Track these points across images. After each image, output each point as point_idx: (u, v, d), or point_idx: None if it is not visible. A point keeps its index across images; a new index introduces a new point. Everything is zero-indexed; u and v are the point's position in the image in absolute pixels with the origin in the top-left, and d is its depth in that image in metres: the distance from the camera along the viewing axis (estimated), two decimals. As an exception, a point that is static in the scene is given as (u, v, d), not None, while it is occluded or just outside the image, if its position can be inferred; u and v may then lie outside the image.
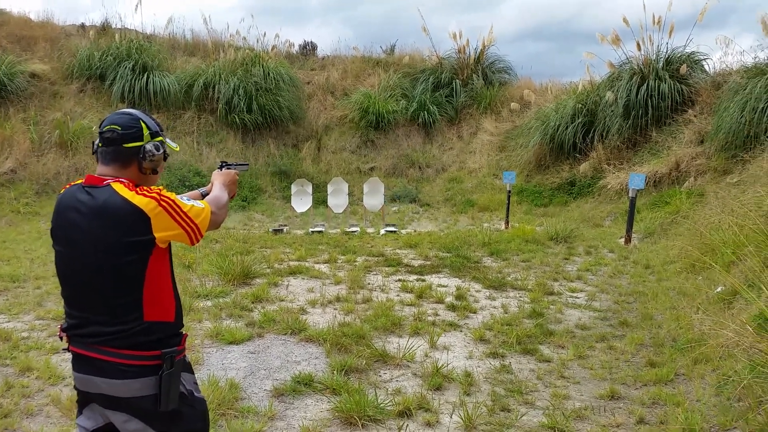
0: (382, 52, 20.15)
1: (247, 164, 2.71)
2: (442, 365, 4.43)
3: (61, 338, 2.10)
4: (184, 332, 2.18)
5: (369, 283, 7.15)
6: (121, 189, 1.98)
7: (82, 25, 17.58)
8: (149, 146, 2.09)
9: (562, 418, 3.66)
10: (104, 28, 17.15)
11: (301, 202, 12.29)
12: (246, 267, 7.07)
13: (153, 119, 2.17)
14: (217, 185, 2.42)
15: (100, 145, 2.08)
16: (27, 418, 3.61)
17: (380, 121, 16.74)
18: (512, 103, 16.76)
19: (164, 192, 2.03)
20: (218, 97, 15.69)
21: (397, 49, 20.20)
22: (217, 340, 5.02)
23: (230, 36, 18.00)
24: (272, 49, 17.96)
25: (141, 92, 15.11)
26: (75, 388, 2.11)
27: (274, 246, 9.52)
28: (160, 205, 1.98)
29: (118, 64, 15.32)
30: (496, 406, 3.87)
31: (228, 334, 5.05)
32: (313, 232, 11.13)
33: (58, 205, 2.10)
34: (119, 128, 2.05)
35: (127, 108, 2.20)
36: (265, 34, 21.82)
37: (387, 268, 8.06)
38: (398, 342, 4.99)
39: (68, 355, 4.48)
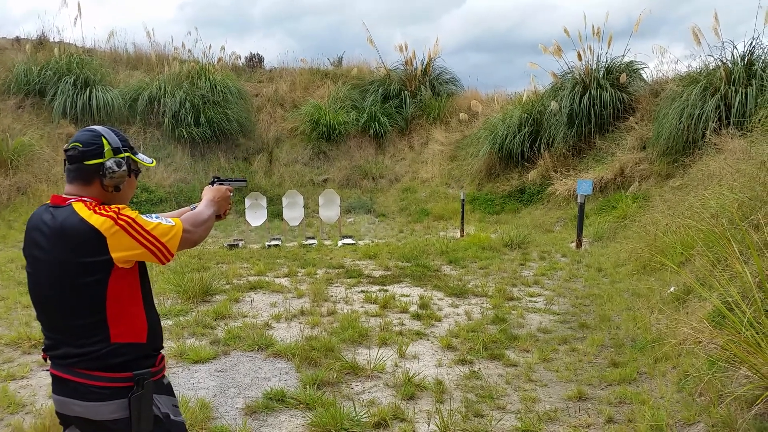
0: (330, 64, 20.24)
1: (245, 179, 2.63)
2: (413, 374, 4.46)
3: (45, 359, 2.06)
4: (161, 353, 2.13)
5: (332, 296, 7.12)
6: (81, 208, 1.93)
7: (17, 39, 16.92)
8: (109, 163, 2.02)
9: (534, 420, 3.74)
10: (41, 42, 16.58)
11: (256, 215, 12.15)
12: (205, 284, 6.93)
13: (118, 135, 2.10)
14: (204, 201, 2.34)
15: (65, 162, 2.05)
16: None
17: (332, 133, 16.76)
18: (461, 114, 17.07)
19: (124, 210, 1.96)
20: (164, 111, 15.38)
21: (345, 60, 20.33)
22: (182, 359, 4.89)
23: (174, 49, 17.71)
24: (218, 62, 17.73)
25: (84, 107, 14.66)
26: (56, 411, 2.05)
27: (230, 261, 9.37)
28: (117, 223, 1.91)
29: (59, 79, 14.83)
30: (469, 413, 3.92)
31: (193, 353, 4.93)
32: (269, 245, 11.00)
33: (27, 225, 2.05)
34: (81, 145, 2.00)
35: (94, 126, 2.14)
36: (210, 46, 21.38)
37: (348, 280, 8.05)
38: (368, 353, 4.99)
39: (26, 381, 4.32)
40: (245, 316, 6.19)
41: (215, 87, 16.03)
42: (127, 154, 2.10)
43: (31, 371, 4.62)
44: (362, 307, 6.64)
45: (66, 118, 14.48)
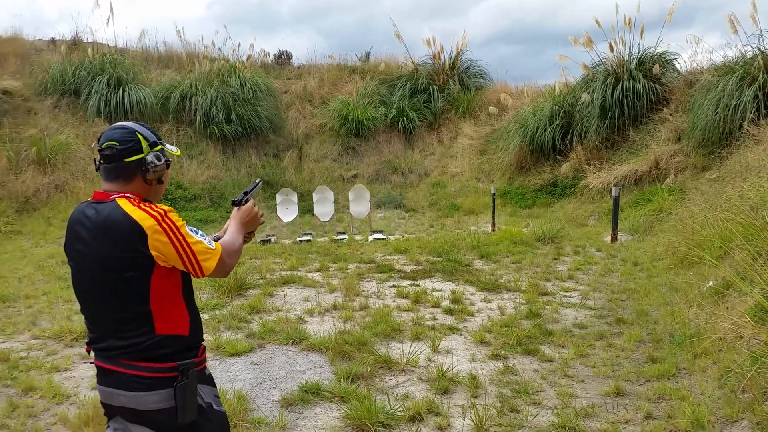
0: (358, 59, 20.24)
1: (260, 180, 2.59)
2: (447, 369, 4.45)
3: (88, 352, 2.10)
4: (202, 345, 2.16)
5: (364, 290, 7.15)
6: (125, 204, 1.97)
7: (53, 40, 17.33)
8: (150, 157, 2.06)
9: (572, 416, 3.70)
10: (75, 43, 16.94)
11: (287, 211, 12.24)
12: (239, 278, 7.02)
13: (149, 129, 2.14)
14: (233, 226, 2.25)
15: (101, 162, 2.06)
16: (34, 440, 3.54)
17: (360, 129, 16.78)
18: (490, 107, 16.93)
19: (171, 214, 1.99)
20: (196, 109, 15.58)
21: (372, 56, 20.31)
22: (219, 352, 4.97)
23: (204, 47, 17.91)
24: (248, 59, 17.90)
25: (117, 106, 14.92)
26: (101, 402, 2.10)
27: (263, 256, 9.47)
28: (161, 225, 1.95)
29: (93, 79, 15.13)
30: (505, 408, 3.90)
31: (229, 346, 5.01)
32: (301, 241, 11.09)
33: (68, 221, 2.09)
34: (117, 144, 2.02)
35: (124, 122, 2.15)
36: (239, 44, 21.62)
37: (380, 275, 8.06)
38: (400, 347, 5.00)
39: (69, 373, 4.43)
40: (279, 310, 6.26)
41: (245, 84, 16.19)
42: (161, 146, 2.14)
43: (73, 363, 4.75)
44: (394, 301, 6.65)
45: (100, 117, 14.78)
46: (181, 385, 1.97)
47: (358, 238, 11.52)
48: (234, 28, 41.26)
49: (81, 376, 4.49)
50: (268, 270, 8.25)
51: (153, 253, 1.93)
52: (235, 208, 2.27)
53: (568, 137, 14.23)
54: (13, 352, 5.00)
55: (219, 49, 17.79)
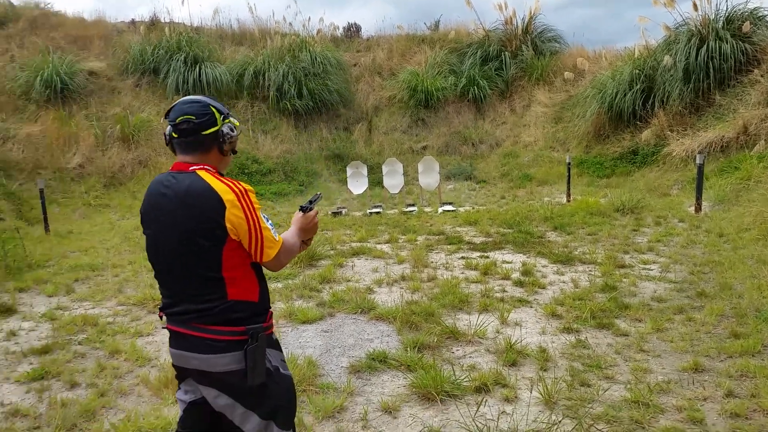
0: (427, 28, 19.91)
1: (320, 194, 2.66)
2: (516, 341, 4.39)
3: (160, 317, 2.20)
4: (270, 311, 2.23)
5: (432, 262, 7.14)
6: (206, 175, 2.06)
7: (132, 21, 18.03)
8: (225, 129, 2.15)
9: (645, 391, 3.57)
10: (153, 23, 17.54)
11: (357, 184, 12.34)
12: (310, 249, 7.16)
13: (218, 101, 2.23)
14: (294, 229, 2.31)
15: (175, 135, 2.13)
16: (121, 397, 3.78)
17: (429, 99, 16.58)
18: (565, 73, 16.29)
19: (250, 194, 2.08)
20: (269, 85, 15.86)
21: (442, 24, 19.91)
22: (291, 320, 5.13)
23: (276, 23, 18.14)
24: (318, 33, 17.99)
25: (194, 83, 15.40)
26: (173, 364, 2.19)
27: (334, 228, 9.62)
28: (240, 201, 2.03)
29: (170, 58, 15.66)
30: (575, 381, 3.81)
31: (301, 314, 5.16)
32: (371, 213, 11.17)
33: (147, 190, 2.19)
34: (194, 118, 2.10)
35: (194, 96, 2.22)
36: (309, 18, 21.92)
37: (449, 246, 8.02)
38: (468, 319, 4.97)
39: (151, 338, 4.68)
40: (348, 281, 6.36)
41: (315, 59, 16.31)
42: (230, 119, 2.21)
43: (155, 329, 5.03)
44: (462, 273, 6.61)
45: (179, 95, 15.28)
46: (251, 347, 2.05)
47: (427, 210, 11.48)
48: (305, 2, 41.37)
49: (162, 340, 4.75)
50: (339, 241, 8.37)
51: (228, 225, 2.01)
52: (299, 214, 2.33)
53: (650, 102, 13.50)
54: (102, 317, 5.34)
55: (290, 24, 18.00)
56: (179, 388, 2.25)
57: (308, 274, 6.54)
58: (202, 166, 2.10)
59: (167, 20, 17.74)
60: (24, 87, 14.05)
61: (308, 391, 3.72)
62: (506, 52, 17.45)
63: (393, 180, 12.34)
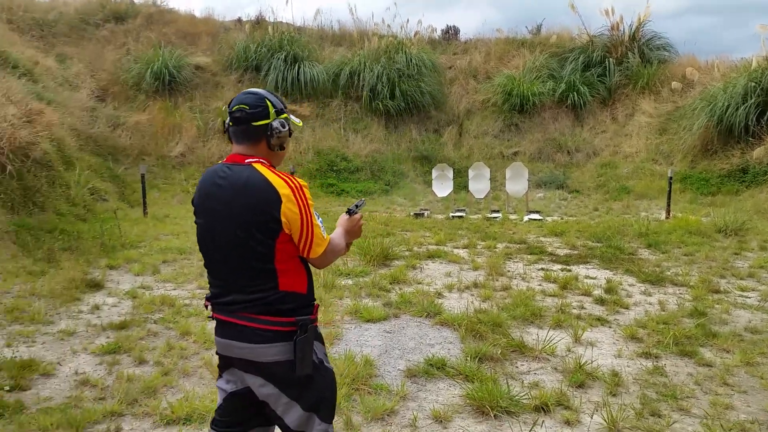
0: (528, 32, 19.42)
1: (363, 200, 2.64)
2: (586, 362, 4.12)
3: (206, 307, 2.21)
4: (316, 303, 2.21)
5: (509, 271, 6.90)
6: (262, 169, 2.07)
7: (239, 20, 18.84)
8: (276, 123, 2.13)
9: (721, 429, 3.22)
10: (258, 22, 18.24)
11: (442, 186, 12.22)
12: (385, 249, 7.14)
13: (277, 97, 2.21)
14: (340, 231, 2.32)
15: (231, 124, 2.15)
16: (183, 378, 3.90)
17: (525, 104, 16.14)
18: (673, 82, 15.33)
19: (305, 190, 2.08)
20: (363, 85, 16.06)
21: (544, 28, 19.39)
22: (355, 317, 5.11)
23: (375, 24, 18.36)
24: (415, 35, 18.02)
25: (293, 82, 15.88)
26: (217, 353, 2.21)
27: (414, 229, 9.55)
28: (295, 196, 2.04)
29: (272, 56, 16.22)
30: (645, 410, 3.51)
31: (366, 312, 5.13)
32: (453, 216, 11.02)
33: (201, 180, 2.20)
34: (247, 107, 2.10)
35: (254, 88, 2.23)
36: (408, 20, 22.00)
37: (529, 256, 7.73)
38: (537, 333, 4.73)
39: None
40: (419, 283, 6.27)
41: (410, 61, 16.34)
42: (286, 115, 2.19)
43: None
44: (540, 285, 6.33)
45: (278, 92, 15.84)
46: (300, 338, 2.05)
47: (512, 217, 11.16)
48: (408, 5, 41.61)
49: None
50: (416, 243, 8.30)
51: (282, 219, 2.01)
52: (345, 216, 2.34)
53: (765, 118, 12.40)
54: (180, 299, 5.57)
55: (388, 25, 18.18)
56: (221, 377, 2.26)
57: (380, 273, 6.51)
58: (257, 159, 2.11)
59: (272, 19, 18.42)
60: (136, 78, 15.06)
61: (361, 391, 3.66)
62: (610, 59, 16.68)
63: (479, 185, 12.11)
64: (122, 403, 3.38)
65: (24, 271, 6.13)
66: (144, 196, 10.35)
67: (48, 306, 5.13)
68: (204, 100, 15.42)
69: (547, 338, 4.54)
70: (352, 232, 2.35)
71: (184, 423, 3.23)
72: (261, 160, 2.11)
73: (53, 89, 12.74)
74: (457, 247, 8.21)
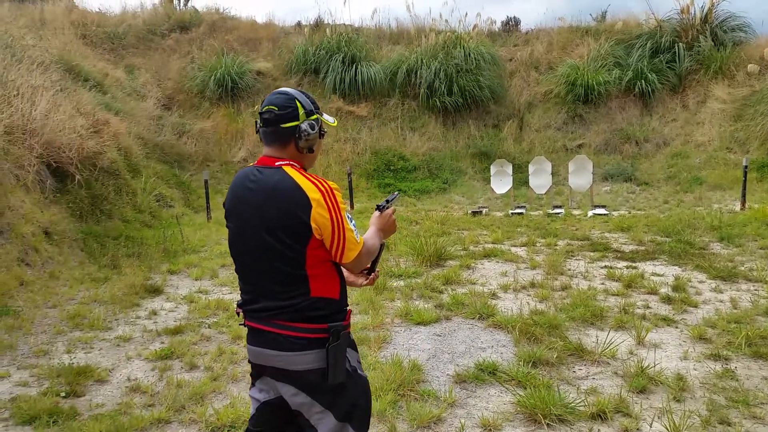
0: (592, 19, 18.69)
1: (399, 191, 2.55)
2: (649, 365, 3.88)
3: (238, 314, 2.18)
4: (349, 309, 2.15)
5: (569, 269, 6.63)
6: (293, 172, 2.01)
7: (299, 24, 19.10)
8: (304, 125, 2.07)
9: (805, 442, 2.94)
10: (317, 25, 18.40)
11: (501, 183, 11.94)
12: (439, 248, 7.01)
13: (308, 97, 2.14)
14: (373, 230, 2.26)
15: (261, 125, 2.11)
16: (231, 383, 3.93)
17: (589, 94, 15.54)
18: (749, 65, 14.38)
19: (337, 193, 2.02)
20: (420, 82, 15.92)
21: (609, 15, 18.58)
22: (405, 319, 5.02)
23: (432, 20, 18.16)
24: (473, 29, 17.69)
25: (351, 83, 15.94)
26: (249, 361, 2.18)
27: (471, 228, 9.36)
28: (326, 200, 1.97)
29: (330, 58, 16.33)
30: (712, 417, 3.26)
31: (416, 314, 5.03)
32: (513, 213, 10.74)
33: (232, 184, 2.17)
34: (276, 109, 2.05)
35: (286, 88, 2.17)
36: (466, 14, 21.71)
37: (592, 253, 7.42)
38: (598, 335, 4.50)
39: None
40: (473, 283, 6.11)
41: (469, 55, 16.06)
42: (316, 116, 2.13)
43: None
44: (602, 284, 6.05)
45: (335, 93, 15.96)
46: (333, 346, 1.99)
47: (576, 213, 10.77)
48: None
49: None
50: (472, 242, 8.12)
51: (313, 224, 1.95)
52: (376, 213, 2.28)
53: None
54: (234, 302, 5.64)
55: (446, 20, 17.93)
56: (253, 386, 2.22)
57: (433, 273, 6.40)
58: (288, 162, 2.06)
59: (331, 22, 18.56)
60: (200, 86, 15.53)
61: (407, 397, 3.58)
62: (680, 43, 15.82)
63: (540, 180, 11.76)
64: (170, 409, 3.43)
65: (89, 277, 6.39)
66: (207, 201, 10.63)
67: (107, 312, 5.32)
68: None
69: (608, 340, 4.31)
70: (386, 229, 2.29)
71: (228, 430, 3.24)
72: (291, 162, 2.06)
73: (121, 99, 13.30)
74: (515, 246, 7.98)
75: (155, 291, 5.96)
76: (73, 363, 4.02)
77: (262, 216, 2.01)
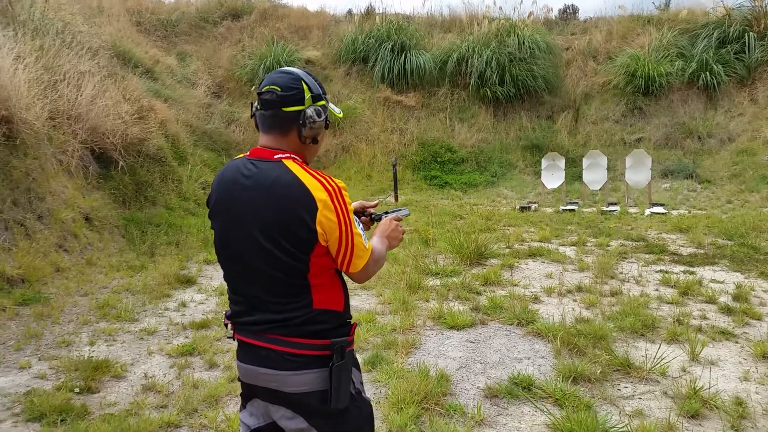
0: (655, 8, 17.79)
1: (407, 210, 2.27)
2: (704, 386, 3.49)
3: (226, 326, 1.91)
4: (352, 322, 1.89)
5: (621, 273, 6.21)
6: (294, 167, 1.74)
7: (350, 12, 18.91)
8: (310, 111, 1.78)
9: None
10: (368, 13, 18.14)
11: (553, 177, 11.46)
12: (480, 245, 6.69)
13: (315, 80, 1.87)
14: (377, 236, 2.04)
15: (258, 107, 1.82)
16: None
17: (650, 86, 14.75)
18: (830, 54, 13.30)
19: (344, 193, 1.75)
20: (470, 72, 15.47)
21: (673, 3, 17.66)
22: (438, 322, 4.75)
23: (486, 7, 17.66)
24: (529, 16, 17.09)
25: (399, 71, 15.64)
26: (239, 379, 1.93)
27: (518, 224, 8.97)
28: (333, 202, 1.70)
29: (379, 46, 16.06)
30: (778, 455, 2.88)
31: (450, 317, 4.75)
32: (564, 210, 10.27)
33: (219, 177, 1.88)
34: (279, 89, 1.77)
35: (290, 68, 1.89)
36: (521, 1, 20.98)
37: (647, 256, 6.95)
38: (647, 349, 4.12)
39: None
40: (515, 285, 5.78)
41: (523, 43, 15.49)
42: (324, 102, 1.86)
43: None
44: (656, 290, 5.62)
45: (384, 83, 15.69)
46: (337, 366, 1.74)
47: (632, 210, 10.21)
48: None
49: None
50: (517, 239, 7.75)
51: (318, 228, 1.69)
52: (386, 218, 2.11)
53: None
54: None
55: (500, 8, 17.41)
56: (243, 408, 1.97)
57: (472, 272, 6.09)
58: (288, 155, 1.77)
59: (381, 9, 18.31)
60: (249, 74, 15.53)
61: (431, 411, 3.32)
62: (751, 33, 14.79)
63: (594, 175, 11.21)
64: (181, 412, 3.28)
65: (126, 265, 6.38)
66: (249, 190, 10.57)
67: (137, 303, 5.26)
68: (313, 94, 15.60)
69: (659, 355, 3.93)
70: (391, 236, 2.05)
71: (238, 438, 3.07)
72: (292, 155, 1.78)
73: (171, 86, 13.42)
74: (563, 245, 7.57)
75: (188, 281, 5.87)
76: (92, 356, 3.94)
77: (257, 217, 1.73)
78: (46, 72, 7.21)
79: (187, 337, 4.50)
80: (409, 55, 15.78)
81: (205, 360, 4.04)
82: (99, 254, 6.51)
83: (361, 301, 5.34)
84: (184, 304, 5.27)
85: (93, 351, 4.12)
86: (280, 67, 11.12)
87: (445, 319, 4.74)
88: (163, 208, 8.57)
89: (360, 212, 2.20)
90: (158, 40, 16.10)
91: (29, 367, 3.88)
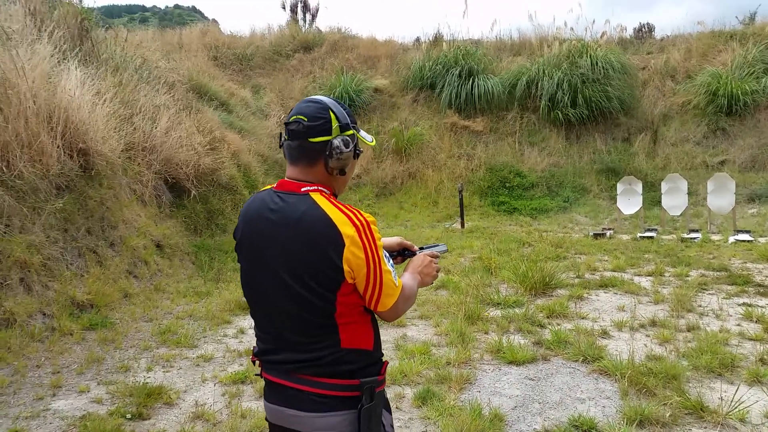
0: (739, 23, 16.87)
1: (446, 248, 2.18)
2: (791, 437, 3.14)
3: (254, 362, 1.88)
4: (385, 360, 1.82)
5: (700, 306, 5.78)
6: (322, 201, 1.70)
7: (417, 40, 19.05)
8: (337, 141, 1.73)
9: None
10: (436, 40, 18.21)
11: (629, 202, 10.94)
12: (546, 275, 6.42)
13: (345, 109, 1.81)
14: (409, 272, 1.96)
15: (286, 138, 1.79)
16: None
17: (734, 105, 13.92)
18: None
19: (373, 227, 1.68)
20: (541, 94, 15.16)
21: (759, 16, 16.67)
22: (496, 356, 4.56)
23: (556, 29, 17.31)
24: (602, 36, 16.61)
25: (467, 97, 15.54)
26: (266, 419, 1.88)
27: (590, 252, 8.58)
28: (361, 237, 1.64)
29: (446, 72, 16.04)
30: None
31: (509, 352, 4.54)
32: (641, 237, 9.75)
33: (245, 210, 1.85)
34: (305, 119, 1.72)
35: (319, 96, 1.85)
36: (594, 21, 20.46)
37: (729, 288, 6.46)
38: (725, 391, 3.77)
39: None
40: (583, 318, 5.48)
41: (596, 64, 15.03)
42: (352, 131, 1.81)
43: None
44: (738, 325, 5.18)
45: (451, 108, 15.63)
46: (367, 408, 1.67)
47: (715, 238, 9.56)
48: (597, 5, 38.98)
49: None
50: (589, 268, 7.40)
51: (345, 266, 1.64)
52: (420, 253, 2.04)
53: None
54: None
55: (571, 28, 17.03)
56: None
57: (537, 303, 5.84)
58: (316, 187, 1.73)
59: (449, 36, 18.32)
60: (319, 104, 15.86)
61: (481, 453, 3.15)
62: None
63: (674, 200, 10.62)
64: (226, 442, 3.27)
65: (192, 291, 6.55)
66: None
67: (198, 329, 5.36)
68: (381, 121, 15.74)
69: (737, 398, 3.58)
70: (424, 272, 1.96)
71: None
72: (320, 188, 1.73)
73: (245, 118, 13.91)
74: (638, 275, 7.16)
75: (248, 308, 5.92)
76: (147, 382, 4.02)
77: (284, 254, 1.69)
78: (123, 106, 7.63)
79: (241, 364, 4.52)
80: (476, 79, 15.66)
81: (256, 389, 4.03)
82: (168, 280, 6.72)
83: (417, 332, 5.21)
84: (242, 331, 5.32)
85: (149, 377, 4.21)
86: (349, 96, 11.28)
87: (504, 353, 4.54)
88: (232, 236, 8.79)
89: (396, 250, 2.13)
90: (234, 73, 16.79)
91: (88, 391, 4.00)
